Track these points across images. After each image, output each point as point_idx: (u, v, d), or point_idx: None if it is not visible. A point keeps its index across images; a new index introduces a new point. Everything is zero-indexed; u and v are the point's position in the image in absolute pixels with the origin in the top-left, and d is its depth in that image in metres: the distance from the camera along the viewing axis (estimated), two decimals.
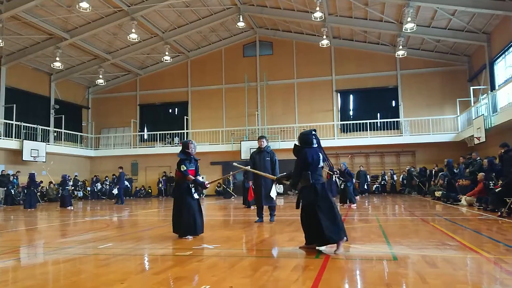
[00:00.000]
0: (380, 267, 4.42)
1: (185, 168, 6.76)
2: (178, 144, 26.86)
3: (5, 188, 19.80)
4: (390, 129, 24.28)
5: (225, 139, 26.11)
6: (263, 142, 9.06)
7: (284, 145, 23.80)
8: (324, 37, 22.21)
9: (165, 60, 25.12)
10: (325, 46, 22.62)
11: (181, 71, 28.38)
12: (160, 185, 26.60)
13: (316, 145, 5.29)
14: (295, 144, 5.37)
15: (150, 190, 27.27)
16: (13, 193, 20.15)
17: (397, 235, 6.75)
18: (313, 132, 5.31)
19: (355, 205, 13.40)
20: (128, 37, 21.44)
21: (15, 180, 20.66)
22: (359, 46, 25.44)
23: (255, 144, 24.70)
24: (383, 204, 15.07)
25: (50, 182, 22.63)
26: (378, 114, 25.15)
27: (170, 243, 6.17)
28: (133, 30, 20.85)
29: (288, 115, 26.08)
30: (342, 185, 13.88)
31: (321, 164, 5.26)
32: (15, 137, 21.83)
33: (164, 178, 26.56)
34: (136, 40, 21.83)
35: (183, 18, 23.48)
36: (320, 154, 5.27)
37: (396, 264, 4.48)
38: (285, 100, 26.49)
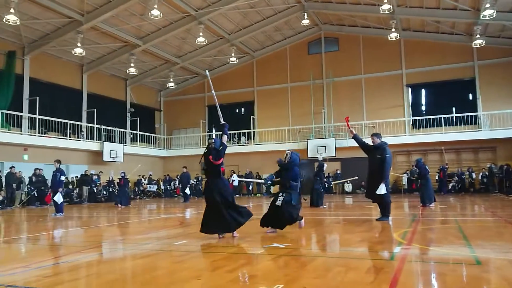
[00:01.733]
0: (460, 271, 4.17)
1: None
2: (245, 143, 27.32)
3: (89, 187, 21.39)
4: (467, 124, 22.76)
5: (291, 137, 26.07)
6: (374, 139, 8.96)
7: (351, 142, 23.12)
8: (393, 29, 21.38)
9: (231, 61, 25.62)
10: (394, 39, 21.76)
11: (247, 71, 28.78)
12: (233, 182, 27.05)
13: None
14: (290, 162, 7.28)
15: None
16: (95, 191, 21.71)
17: (478, 237, 6.32)
18: (298, 154, 7.51)
19: (432, 204, 12.61)
20: (196, 40, 22.14)
21: (96, 179, 22.23)
22: (431, 37, 24.14)
23: (321, 143, 24.63)
24: (461, 204, 14.20)
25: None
26: (453, 108, 23.70)
27: (241, 241, 6.28)
28: (201, 34, 21.50)
29: (355, 112, 25.36)
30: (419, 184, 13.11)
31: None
32: (96, 139, 23.52)
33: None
34: (204, 43, 22.48)
35: (248, 19, 23.80)
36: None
37: (479, 268, 4.21)
38: (352, 97, 25.86)
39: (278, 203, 7.06)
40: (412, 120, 24.17)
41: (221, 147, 6.67)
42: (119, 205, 16.69)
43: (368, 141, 9.25)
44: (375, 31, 25.00)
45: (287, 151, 7.60)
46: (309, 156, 23.77)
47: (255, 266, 4.56)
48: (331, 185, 24.03)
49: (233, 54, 25.18)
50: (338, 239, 6.78)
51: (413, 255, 4.99)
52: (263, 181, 7.91)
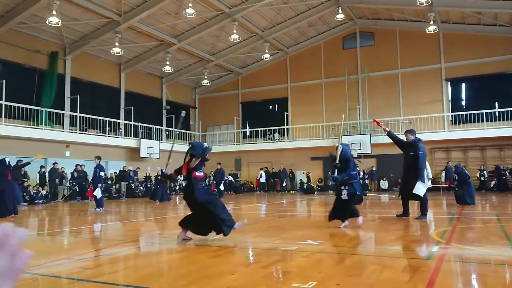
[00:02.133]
0: (503, 272, 4.03)
1: None
2: (278, 140, 27.30)
3: (127, 182, 22.00)
4: (511, 120, 21.79)
5: (325, 134, 25.81)
6: (408, 135, 8.80)
7: (387, 139, 22.58)
8: (431, 22, 20.74)
9: (265, 58, 25.63)
10: (432, 32, 21.10)
11: (280, 67, 28.70)
12: (260, 178, 27.09)
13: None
14: (342, 155, 7.38)
15: (252, 185, 28.10)
16: (132, 186, 22.31)
17: None
18: (348, 145, 7.98)
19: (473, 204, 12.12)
20: (229, 38, 22.29)
21: (133, 175, 22.84)
22: (472, 29, 23.23)
23: (356, 139, 24.22)
24: (504, 203, 13.64)
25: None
26: (496, 103, 22.74)
27: (274, 238, 6.30)
28: (234, 31, 21.62)
29: (392, 108, 24.82)
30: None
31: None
32: (133, 136, 24.15)
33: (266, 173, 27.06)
34: (237, 40, 22.60)
35: (282, 15, 23.71)
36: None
37: None
38: (388, 92, 25.29)
39: (344, 197, 7.33)
40: (452, 115, 23.39)
41: (201, 153, 6.26)
42: (157, 201, 16.99)
43: (404, 138, 9.05)
44: (412, 24, 24.31)
45: (336, 144, 7.75)
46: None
47: (288, 263, 4.57)
48: (366, 183, 23.64)
49: (266, 51, 25.19)
50: (373, 237, 6.68)
51: (452, 255, 4.86)
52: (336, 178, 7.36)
